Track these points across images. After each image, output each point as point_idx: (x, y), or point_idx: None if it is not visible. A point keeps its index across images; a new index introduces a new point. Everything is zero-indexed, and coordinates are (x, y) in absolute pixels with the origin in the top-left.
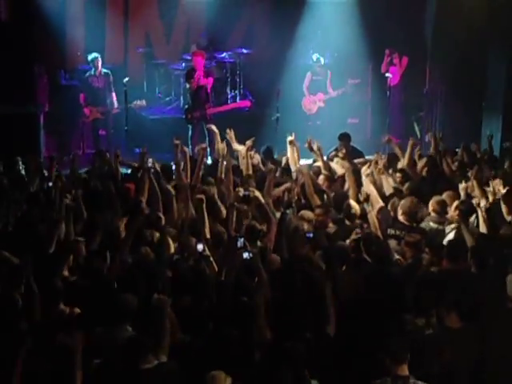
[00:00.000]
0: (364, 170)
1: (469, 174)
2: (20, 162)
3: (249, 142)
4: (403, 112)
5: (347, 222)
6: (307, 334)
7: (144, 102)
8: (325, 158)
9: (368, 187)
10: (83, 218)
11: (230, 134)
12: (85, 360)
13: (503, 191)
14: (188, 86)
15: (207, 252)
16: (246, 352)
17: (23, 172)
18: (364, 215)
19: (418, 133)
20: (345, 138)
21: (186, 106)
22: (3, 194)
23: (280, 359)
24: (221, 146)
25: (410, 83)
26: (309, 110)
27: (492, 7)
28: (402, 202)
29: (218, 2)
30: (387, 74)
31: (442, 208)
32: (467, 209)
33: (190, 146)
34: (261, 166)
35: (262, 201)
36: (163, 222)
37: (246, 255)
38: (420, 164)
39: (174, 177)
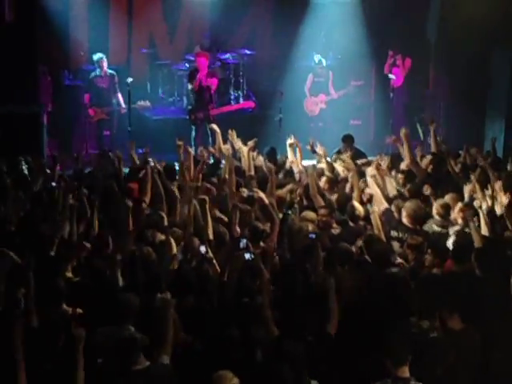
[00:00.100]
0: (369, 171)
1: (471, 177)
2: (23, 162)
3: (251, 143)
4: (406, 113)
5: (351, 224)
6: (308, 335)
7: (148, 103)
8: (328, 159)
9: (373, 188)
10: (87, 217)
11: (232, 134)
12: (86, 360)
13: (505, 200)
14: (190, 86)
15: (210, 254)
16: (247, 352)
17: (26, 172)
18: (368, 217)
19: (421, 134)
20: (348, 139)
21: (190, 107)
22: (6, 194)
23: (280, 360)
24: (225, 147)
25: (413, 85)
26: (311, 111)
27: (497, 9)
28: (407, 204)
29: (221, 3)
30: (390, 76)
31: (446, 211)
32: (472, 211)
33: (194, 147)
34: (264, 167)
35: (267, 202)
36: (166, 221)
37: (247, 256)
38: (424, 162)
39: (177, 177)
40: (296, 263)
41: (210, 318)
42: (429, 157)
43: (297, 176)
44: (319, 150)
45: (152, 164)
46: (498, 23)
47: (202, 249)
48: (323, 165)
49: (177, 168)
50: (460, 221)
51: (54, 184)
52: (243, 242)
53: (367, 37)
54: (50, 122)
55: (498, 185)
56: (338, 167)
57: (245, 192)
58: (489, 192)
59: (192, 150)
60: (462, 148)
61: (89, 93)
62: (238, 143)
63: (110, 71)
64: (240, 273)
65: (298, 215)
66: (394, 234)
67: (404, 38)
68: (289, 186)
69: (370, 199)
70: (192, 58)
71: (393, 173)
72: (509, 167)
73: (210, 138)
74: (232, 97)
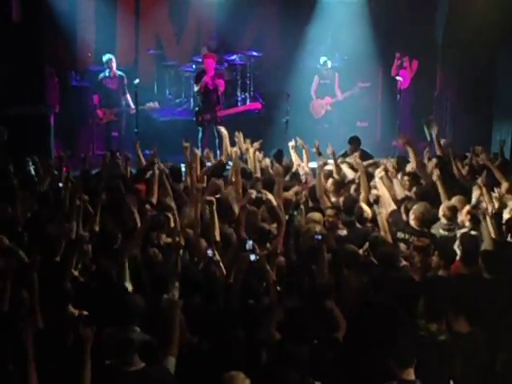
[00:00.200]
0: (378, 173)
1: (478, 180)
2: (30, 163)
3: (256, 144)
4: (413, 115)
5: (358, 225)
6: (313, 337)
7: (157, 104)
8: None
9: (381, 190)
10: (93, 218)
11: (239, 136)
12: (93, 360)
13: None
14: (196, 88)
15: (217, 257)
16: (252, 354)
17: (33, 172)
18: (375, 218)
19: (428, 136)
20: (355, 141)
21: (197, 109)
22: (13, 194)
23: (285, 362)
24: (233, 150)
25: (420, 86)
26: (317, 113)
27: (503, 10)
28: (415, 206)
29: (228, 4)
30: (397, 78)
31: (453, 214)
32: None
33: (200, 149)
34: (270, 169)
35: (275, 203)
36: (172, 223)
37: (252, 257)
38: (430, 165)
39: (183, 178)
40: (302, 265)
41: (215, 319)
42: (434, 160)
43: (303, 178)
44: (329, 151)
45: (157, 165)
46: (505, 25)
47: (209, 252)
48: (331, 167)
49: (183, 169)
50: (467, 223)
51: (60, 185)
52: (249, 244)
53: (374, 37)
54: (57, 123)
55: (505, 187)
56: (346, 169)
57: (253, 193)
58: (496, 194)
59: (198, 152)
60: (469, 150)
61: (98, 94)
62: (246, 145)
63: (119, 72)
64: (246, 274)
65: (304, 216)
66: (400, 235)
67: (411, 40)
68: (295, 188)
69: (377, 200)
70: (199, 60)
71: (399, 175)
72: None
73: (217, 140)
74: (239, 98)
